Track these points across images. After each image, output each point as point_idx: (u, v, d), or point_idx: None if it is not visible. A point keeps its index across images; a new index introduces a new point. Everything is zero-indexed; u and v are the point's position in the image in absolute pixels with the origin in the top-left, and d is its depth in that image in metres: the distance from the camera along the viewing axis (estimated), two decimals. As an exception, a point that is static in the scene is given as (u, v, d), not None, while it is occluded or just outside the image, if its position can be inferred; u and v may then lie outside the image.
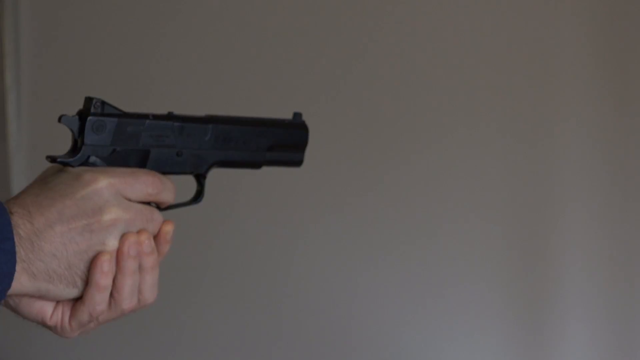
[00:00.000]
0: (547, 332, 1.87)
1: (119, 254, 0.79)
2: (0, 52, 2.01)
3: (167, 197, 0.85)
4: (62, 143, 0.83)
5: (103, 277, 0.79)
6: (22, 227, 0.75)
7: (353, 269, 1.96)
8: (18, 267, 0.74)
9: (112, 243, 0.79)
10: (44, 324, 0.81)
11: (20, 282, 0.75)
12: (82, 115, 0.82)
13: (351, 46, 1.95)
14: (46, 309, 0.80)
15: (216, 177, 1.72)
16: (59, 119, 0.81)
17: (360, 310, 1.96)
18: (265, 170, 1.95)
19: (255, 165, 0.92)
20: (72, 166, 0.81)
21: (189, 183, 0.91)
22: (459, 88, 1.90)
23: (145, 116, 0.85)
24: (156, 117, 0.86)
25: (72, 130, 0.82)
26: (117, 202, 0.80)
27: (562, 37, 1.84)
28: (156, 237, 0.83)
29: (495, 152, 1.89)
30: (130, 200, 0.81)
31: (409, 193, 1.93)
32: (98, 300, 0.80)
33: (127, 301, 0.81)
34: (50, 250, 0.76)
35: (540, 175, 1.87)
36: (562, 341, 1.86)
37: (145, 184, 0.82)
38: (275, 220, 1.99)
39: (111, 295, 0.80)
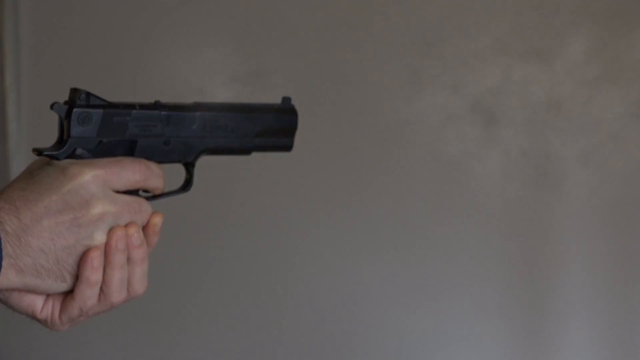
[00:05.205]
0: (547, 332, 1.87)
1: (107, 248, 0.79)
2: (0, 52, 2.01)
3: (156, 183, 0.84)
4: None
5: (93, 272, 0.78)
6: (8, 222, 0.74)
7: (353, 269, 1.96)
8: (5, 263, 0.73)
9: (100, 237, 0.78)
10: (34, 318, 0.81)
11: (8, 277, 0.74)
12: (68, 107, 0.82)
13: (351, 43, 1.94)
14: (36, 303, 0.80)
15: (218, 175, 1.73)
16: (51, 107, 0.81)
17: (360, 309, 1.96)
18: (267, 167, 1.95)
19: (245, 151, 0.91)
20: (58, 159, 0.81)
21: (179, 173, 0.90)
22: (459, 84, 1.89)
23: (131, 106, 0.84)
24: (142, 106, 0.85)
25: (60, 117, 0.82)
26: (103, 195, 0.79)
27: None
28: (145, 229, 0.82)
29: (495, 153, 1.89)
30: (118, 190, 0.80)
31: (409, 193, 1.92)
32: (88, 295, 0.79)
33: (116, 294, 0.80)
34: (38, 246, 0.75)
35: (539, 176, 1.86)
36: (561, 342, 1.86)
37: (132, 171, 0.81)
38: (276, 219, 1.99)
39: (100, 288, 0.79)
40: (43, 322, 0.81)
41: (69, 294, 0.80)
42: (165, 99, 0.88)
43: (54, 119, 0.84)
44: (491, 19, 1.89)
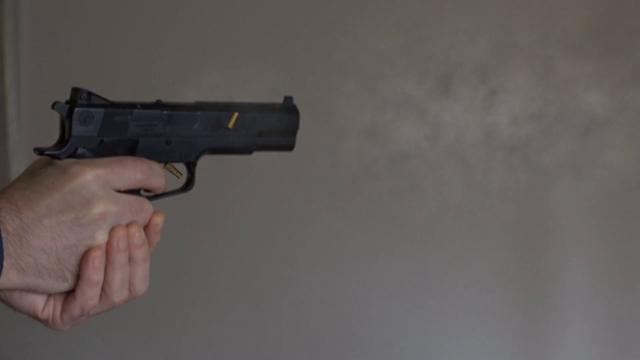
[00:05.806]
0: (547, 332, 1.87)
1: (108, 248, 0.78)
2: (0, 52, 2.01)
3: (157, 182, 0.84)
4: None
5: (95, 272, 0.78)
6: (10, 222, 0.74)
7: (354, 269, 1.96)
8: (6, 263, 0.73)
9: (102, 236, 0.78)
10: (35, 318, 0.81)
11: (9, 277, 0.74)
12: (69, 106, 0.82)
13: (353, 44, 1.94)
14: (38, 303, 0.80)
15: (219, 175, 1.73)
16: (53, 106, 0.81)
17: (361, 310, 1.96)
18: (269, 170, 1.94)
19: (246, 151, 0.90)
20: (60, 158, 0.81)
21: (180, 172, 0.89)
22: (461, 89, 1.89)
23: (132, 105, 0.84)
24: (144, 106, 0.84)
25: (61, 116, 0.82)
26: (105, 195, 0.78)
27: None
28: (146, 228, 0.82)
29: (496, 153, 1.89)
30: (119, 190, 0.80)
31: (409, 193, 1.92)
32: (90, 295, 0.79)
33: (118, 294, 0.80)
34: (39, 245, 0.75)
35: (539, 177, 1.86)
36: (561, 342, 1.86)
37: (134, 170, 0.81)
38: (277, 219, 1.99)
39: (101, 288, 0.79)
40: (44, 322, 0.81)
41: (70, 293, 0.79)
42: (166, 98, 0.87)
43: (54, 119, 0.84)
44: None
